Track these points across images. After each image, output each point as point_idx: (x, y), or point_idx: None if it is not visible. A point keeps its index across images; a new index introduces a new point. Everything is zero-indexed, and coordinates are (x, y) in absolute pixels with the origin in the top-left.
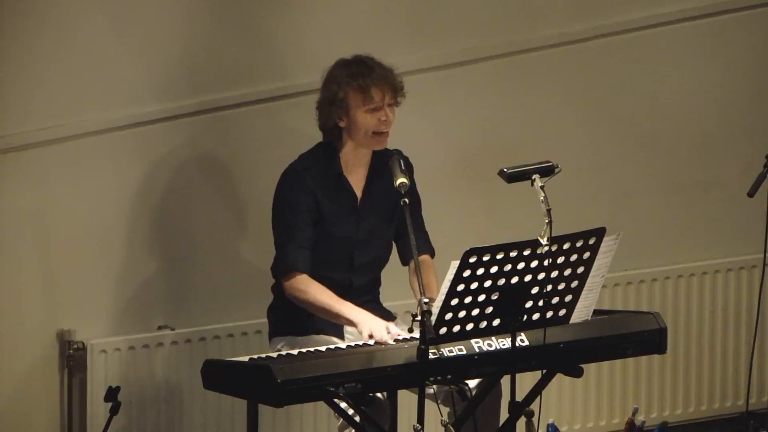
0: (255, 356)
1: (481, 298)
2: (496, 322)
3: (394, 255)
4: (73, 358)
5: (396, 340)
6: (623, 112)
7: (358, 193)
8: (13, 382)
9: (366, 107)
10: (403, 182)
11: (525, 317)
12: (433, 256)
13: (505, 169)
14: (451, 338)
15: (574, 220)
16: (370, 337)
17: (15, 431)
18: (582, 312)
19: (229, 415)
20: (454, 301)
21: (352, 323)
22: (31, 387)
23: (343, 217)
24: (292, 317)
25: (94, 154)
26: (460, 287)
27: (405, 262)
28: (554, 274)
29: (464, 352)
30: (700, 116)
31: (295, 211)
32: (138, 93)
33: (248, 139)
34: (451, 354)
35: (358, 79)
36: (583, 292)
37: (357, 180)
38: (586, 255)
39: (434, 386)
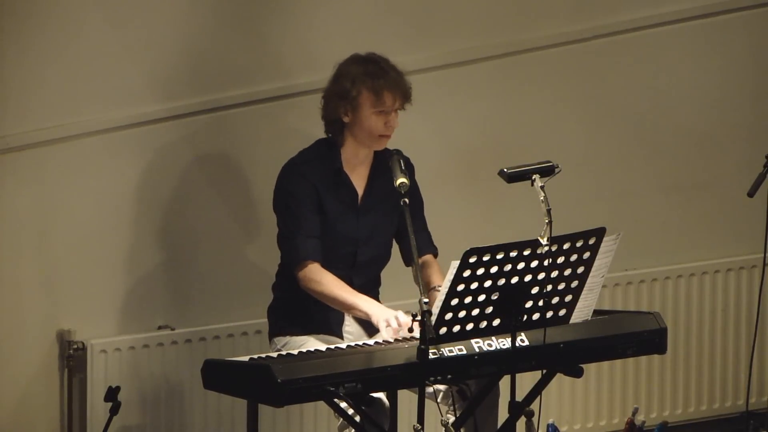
0: (255, 356)
1: (481, 298)
2: (496, 322)
3: (395, 255)
4: (73, 358)
5: (396, 340)
6: (623, 112)
7: (359, 190)
8: (13, 382)
9: (376, 109)
10: (403, 182)
11: (525, 317)
12: (436, 255)
13: (505, 169)
14: (451, 338)
15: (574, 220)
16: (387, 325)
17: (15, 431)
18: (582, 312)
19: (229, 415)
20: (454, 301)
21: (367, 315)
22: (31, 387)
23: (344, 213)
24: (293, 317)
25: (94, 154)
26: (460, 287)
27: (407, 262)
28: (554, 274)
29: (464, 352)
30: (700, 116)
31: (299, 201)
32: (138, 93)
33: (249, 139)
34: (451, 354)
35: (373, 80)
36: (583, 292)
37: (358, 177)
38: (586, 255)
39: (434, 385)
